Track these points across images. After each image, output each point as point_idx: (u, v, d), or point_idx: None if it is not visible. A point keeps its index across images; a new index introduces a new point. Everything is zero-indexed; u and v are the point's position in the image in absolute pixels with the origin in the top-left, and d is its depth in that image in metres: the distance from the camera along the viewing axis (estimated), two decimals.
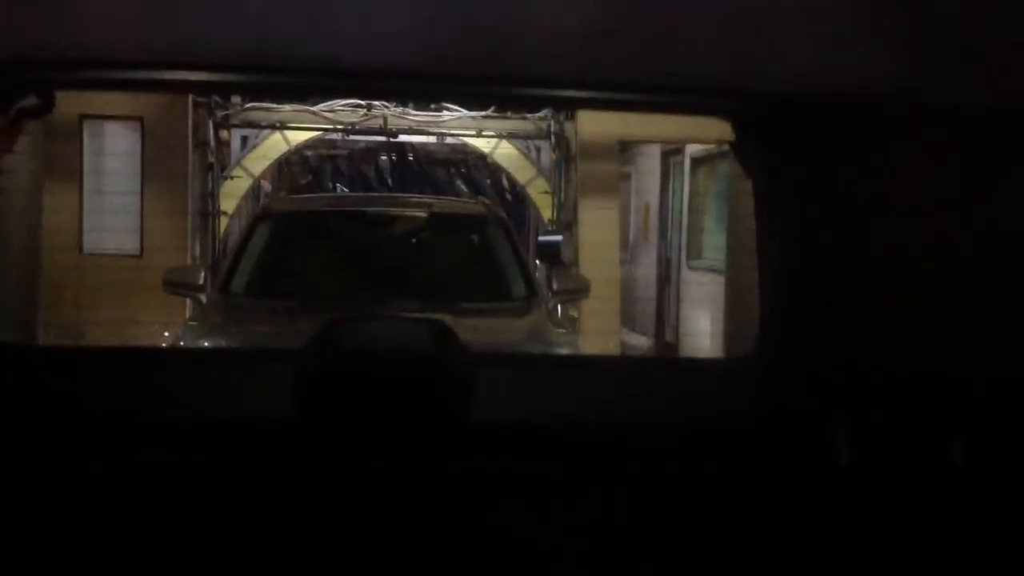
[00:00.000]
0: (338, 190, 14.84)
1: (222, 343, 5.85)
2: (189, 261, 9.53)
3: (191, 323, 6.90)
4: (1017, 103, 1.64)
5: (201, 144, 10.29)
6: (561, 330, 6.87)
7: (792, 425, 1.84)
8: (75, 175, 9.30)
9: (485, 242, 7.28)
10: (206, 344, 5.90)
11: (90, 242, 9.44)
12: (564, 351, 6.14)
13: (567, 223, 10.72)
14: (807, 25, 1.56)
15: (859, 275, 1.73)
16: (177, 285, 6.93)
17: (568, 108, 8.94)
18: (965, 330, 1.72)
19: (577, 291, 7.53)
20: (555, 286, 7.17)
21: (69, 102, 8.74)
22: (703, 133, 9.90)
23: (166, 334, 7.09)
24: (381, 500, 1.84)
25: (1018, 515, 1.76)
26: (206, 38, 1.56)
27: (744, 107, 1.86)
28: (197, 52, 1.58)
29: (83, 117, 9.22)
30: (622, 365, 3.31)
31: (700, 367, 2.96)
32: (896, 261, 1.71)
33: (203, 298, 6.79)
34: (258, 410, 1.94)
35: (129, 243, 9.50)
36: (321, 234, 7.33)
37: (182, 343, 6.20)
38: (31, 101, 1.97)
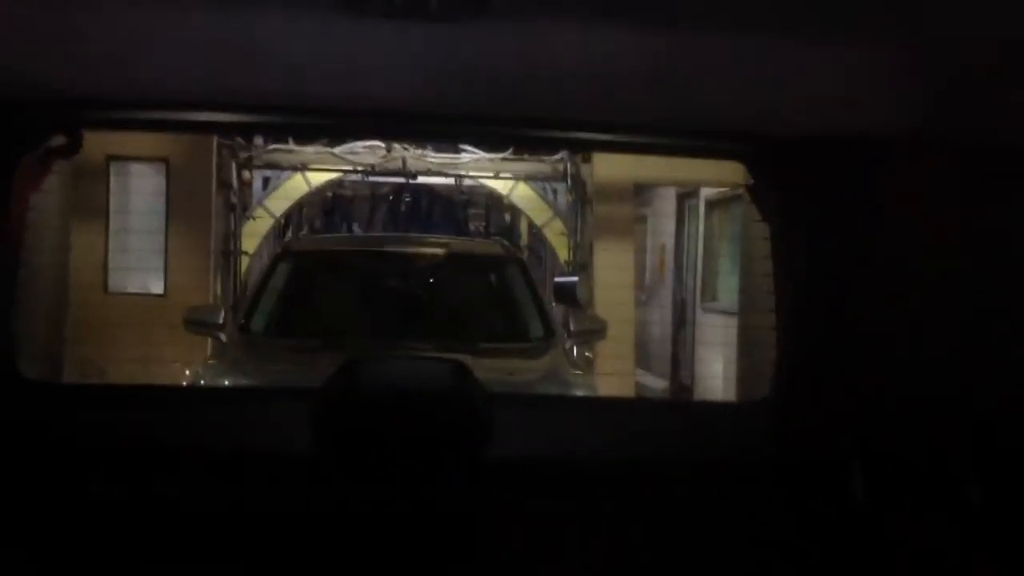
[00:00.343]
0: (356, 231, 14.99)
1: (241, 381, 5.89)
2: (211, 300, 9.66)
3: (211, 361, 6.98)
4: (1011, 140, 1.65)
5: (224, 185, 10.47)
6: (577, 372, 6.91)
7: (811, 466, 1.82)
8: (102, 214, 9.49)
9: (503, 282, 7.36)
10: (225, 382, 5.94)
11: (115, 282, 9.60)
12: (580, 392, 6.18)
13: (583, 264, 10.82)
14: (820, 69, 1.54)
15: (875, 314, 1.73)
16: (198, 324, 6.99)
17: (584, 150, 9.05)
18: (982, 364, 1.72)
19: (593, 332, 7.57)
20: (572, 327, 7.21)
21: (96, 143, 8.96)
22: (718, 176, 10.04)
23: (187, 372, 7.18)
24: (398, 534, 1.84)
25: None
26: (229, 80, 1.57)
27: (759, 150, 1.87)
28: (220, 94, 1.62)
29: (110, 158, 9.41)
30: (638, 407, 3.34)
31: (716, 411, 2.94)
32: (911, 299, 1.71)
33: (223, 336, 6.85)
34: (278, 446, 1.95)
35: (153, 283, 9.66)
36: (340, 274, 7.39)
37: (202, 381, 6.26)
38: (59, 141, 2.03)
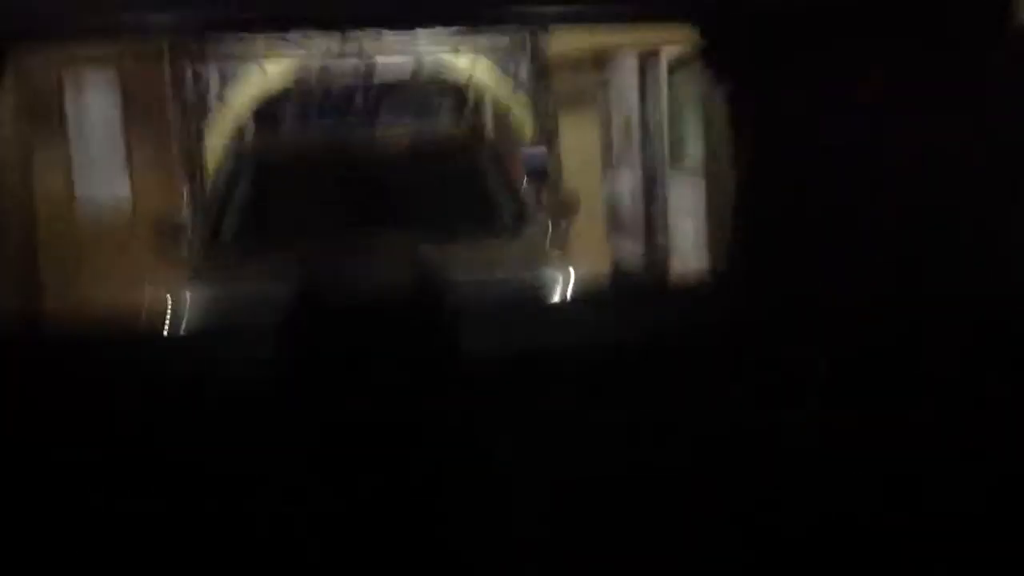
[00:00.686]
0: (321, 123, 14.88)
1: (213, 293, 5.89)
2: (180, 201, 9.65)
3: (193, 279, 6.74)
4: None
5: (177, 83, 10.35)
6: (556, 250, 6.93)
7: (767, 338, 1.80)
8: (62, 132, 9.42)
9: (473, 166, 7.30)
10: (194, 295, 5.93)
11: (81, 191, 9.59)
12: (559, 272, 6.22)
13: (549, 136, 10.83)
14: None
15: (833, 182, 1.79)
16: (168, 233, 6.94)
17: (543, 23, 8.98)
18: (943, 254, 1.74)
19: (567, 207, 7.67)
20: (545, 203, 7.25)
21: (48, 61, 8.86)
22: (677, 36, 9.96)
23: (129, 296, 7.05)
24: (379, 444, 1.83)
25: None
26: None
27: (713, 13, 1.87)
28: None
29: (62, 69, 9.32)
30: (603, 297, 3.43)
31: (677, 288, 3.12)
32: (867, 170, 1.77)
33: (192, 247, 6.81)
34: (246, 385, 1.97)
35: (119, 188, 9.65)
36: (302, 171, 7.24)
37: (169, 298, 6.15)
38: None
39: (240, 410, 1.94)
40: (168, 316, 5.97)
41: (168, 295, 6.28)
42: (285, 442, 1.86)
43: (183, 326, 5.66)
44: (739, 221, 1.68)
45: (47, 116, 9.28)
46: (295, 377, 1.87)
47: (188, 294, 6.19)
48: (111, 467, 1.86)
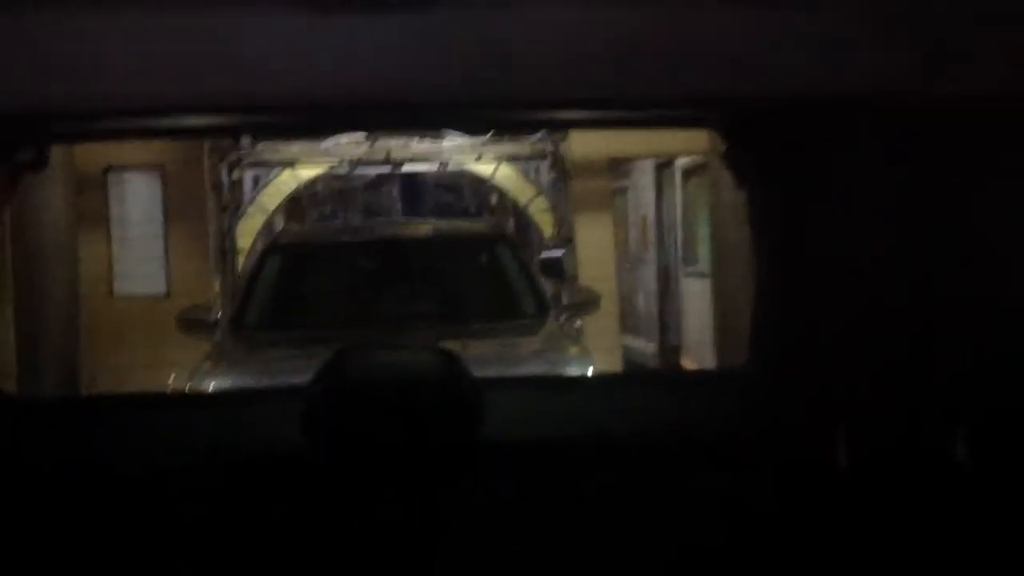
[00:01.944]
0: (348, 221, 15.34)
1: (234, 379, 5.77)
2: (212, 297, 9.95)
3: (206, 362, 6.64)
4: (996, 93, 1.63)
5: (216, 186, 10.87)
6: (573, 344, 6.84)
7: (790, 435, 1.79)
8: (104, 223, 9.91)
9: (493, 261, 7.38)
10: (215, 383, 5.83)
11: (120, 286, 10.03)
12: (579, 365, 6.19)
13: (567, 238, 11.22)
14: (787, 35, 1.57)
15: (853, 280, 1.70)
16: (191, 324, 6.93)
17: (563, 128, 9.31)
18: (960, 329, 1.69)
19: (587, 304, 7.68)
20: (565, 300, 7.39)
21: (94, 155, 9.38)
22: (688, 146, 10.44)
23: (173, 376, 6.98)
24: (396, 530, 1.83)
25: (1019, 512, 1.72)
26: (194, 84, 1.55)
27: (731, 117, 1.85)
28: (184, 99, 1.58)
29: (107, 169, 9.84)
30: (616, 382, 3.31)
31: (696, 380, 2.87)
32: (889, 265, 1.68)
33: (218, 335, 6.77)
34: (272, 446, 1.92)
35: (156, 284, 10.07)
36: (329, 263, 7.37)
37: (190, 385, 6.08)
38: (28, 155, 1.98)
39: (260, 490, 1.91)
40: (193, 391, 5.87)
41: (192, 382, 6.25)
42: (304, 524, 1.84)
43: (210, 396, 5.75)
44: (759, 319, 1.70)
45: (92, 214, 9.75)
46: (316, 463, 1.85)
47: (212, 381, 6.12)
48: (139, 538, 1.87)
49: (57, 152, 8.53)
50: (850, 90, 1.60)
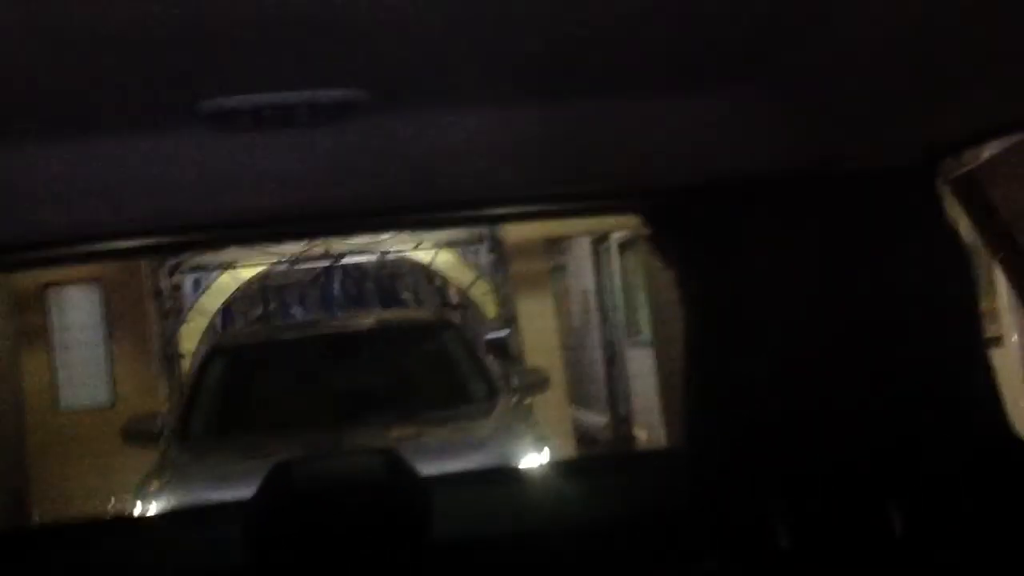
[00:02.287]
0: (295, 315, 15.32)
1: (182, 497, 5.58)
2: (159, 405, 9.89)
3: (151, 479, 6.28)
4: (911, 164, 1.67)
5: (157, 293, 10.88)
6: (527, 429, 6.74)
7: (729, 512, 1.80)
8: (45, 338, 9.88)
9: (440, 348, 7.30)
10: (162, 503, 5.66)
11: (65, 399, 9.97)
12: (533, 448, 6.17)
13: (510, 319, 11.35)
14: (695, 121, 1.60)
15: (784, 353, 1.71)
16: (136, 436, 6.76)
17: (494, 223, 9.40)
18: (897, 401, 1.69)
19: (536, 385, 7.63)
20: (516, 381, 7.26)
21: (33, 273, 9.39)
22: (620, 221, 10.66)
23: (112, 501, 6.87)
24: None
25: None
26: (111, 209, 1.55)
27: (653, 201, 1.88)
28: (104, 223, 1.57)
29: (46, 285, 9.86)
30: (556, 470, 3.31)
31: (636, 462, 2.85)
32: (821, 335, 1.69)
33: (161, 444, 6.59)
34: (212, 570, 1.90)
35: (101, 395, 10.03)
36: (273, 364, 7.19)
37: (138, 504, 5.90)
38: None
39: None
40: (141, 510, 5.77)
41: (140, 491, 6.12)
42: None
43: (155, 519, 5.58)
44: (695, 391, 1.70)
45: (32, 329, 9.74)
46: (262, 567, 1.85)
47: (157, 502, 5.88)
48: None
49: None
50: (758, 169, 1.65)
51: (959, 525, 1.71)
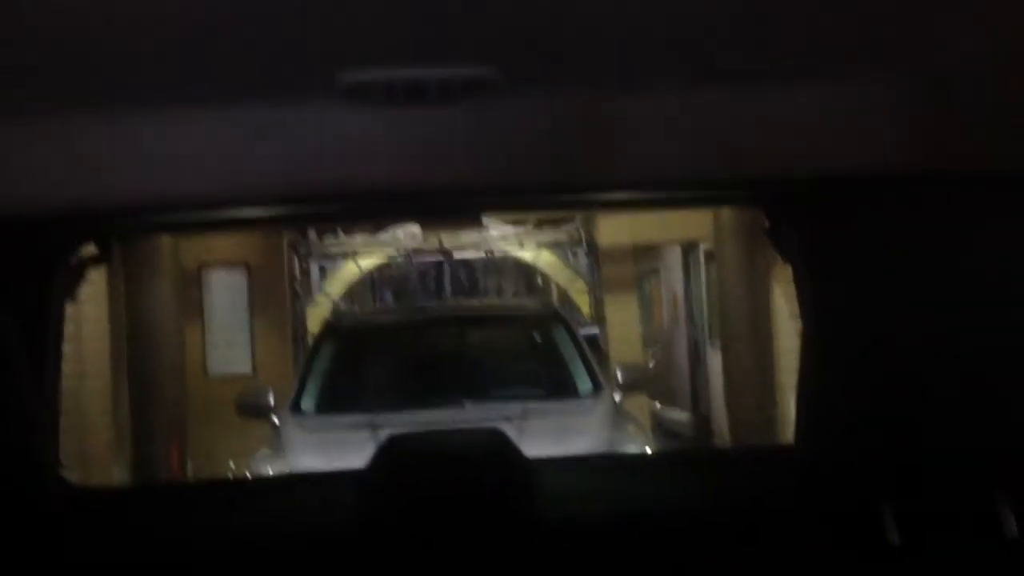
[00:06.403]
0: (405, 304, 16.39)
1: (292, 465, 5.71)
2: (293, 376, 10.95)
3: (263, 448, 6.53)
4: None
5: (290, 278, 12.34)
6: (631, 425, 6.76)
7: (839, 512, 1.75)
8: (200, 313, 11.46)
9: (547, 339, 7.26)
10: (273, 468, 5.84)
11: (213, 366, 11.49)
12: (636, 444, 6.21)
13: (602, 317, 12.28)
14: (828, 109, 1.57)
15: (903, 352, 1.67)
16: (248, 409, 6.84)
17: (609, 209, 9.13)
18: (1012, 403, 1.66)
19: (644, 380, 7.57)
20: (621, 378, 7.05)
21: (190, 254, 10.93)
22: (700, 233, 11.66)
23: (232, 464, 7.13)
24: None
25: None
26: (249, 177, 1.55)
27: (775, 194, 1.83)
28: (237, 191, 1.57)
29: (201, 265, 11.43)
30: (662, 461, 3.30)
31: (742, 458, 2.86)
32: (938, 336, 1.65)
33: (275, 419, 6.68)
34: (326, 532, 1.91)
35: (243, 365, 11.50)
36: (384, 345, 7.25)
37: (251, 469, 6.14)
38: (91, 251, 1.99)
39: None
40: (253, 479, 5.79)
41: (252, 467, 6.30)
42: None
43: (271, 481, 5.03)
44: (810, 384, 1.83)
45: (191, 304, 11.19)
46: (368, 543, 1.89)
47: (268, 464, 6.14)
48: None
49: (165, 252, 10.09)
50: (883, 166, 1.59)
51: None
